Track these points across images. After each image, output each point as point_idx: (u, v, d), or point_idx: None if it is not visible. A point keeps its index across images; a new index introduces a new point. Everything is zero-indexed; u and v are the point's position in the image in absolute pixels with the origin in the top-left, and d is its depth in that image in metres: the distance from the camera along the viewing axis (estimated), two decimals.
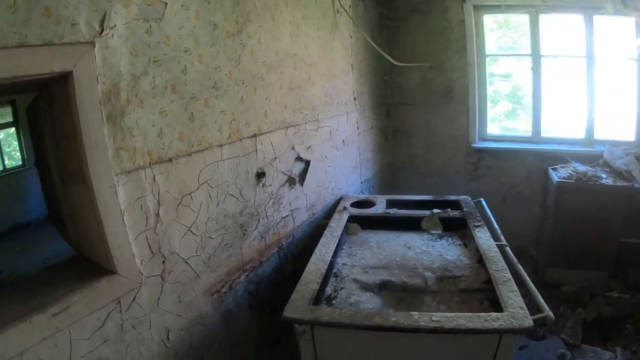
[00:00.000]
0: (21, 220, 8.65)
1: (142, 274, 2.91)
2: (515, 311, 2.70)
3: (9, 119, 8.96)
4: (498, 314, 2.69)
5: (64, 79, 2.55)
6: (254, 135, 3.87)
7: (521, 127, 7.12)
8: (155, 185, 2.95)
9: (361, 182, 6.17)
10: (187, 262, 3.23)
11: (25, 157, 8.89)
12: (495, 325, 2.60)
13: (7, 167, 9.06)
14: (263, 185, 3.98)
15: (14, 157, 9.44)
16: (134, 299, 2.88)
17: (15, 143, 9.48)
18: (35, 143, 4.32)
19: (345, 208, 4.98)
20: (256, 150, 3.89)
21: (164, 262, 3.05)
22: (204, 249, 3.38)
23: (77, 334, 2.58)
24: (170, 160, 3.05)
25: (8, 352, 2.31)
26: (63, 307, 2.55)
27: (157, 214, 2.98)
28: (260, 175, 3.91)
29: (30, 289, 2.89)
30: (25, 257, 6.71)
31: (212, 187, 3.40)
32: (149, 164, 2.91)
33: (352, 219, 4.60)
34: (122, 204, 2.75)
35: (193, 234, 3.27)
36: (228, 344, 3.72)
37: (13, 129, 9.03)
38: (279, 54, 4.23)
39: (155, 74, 2.95)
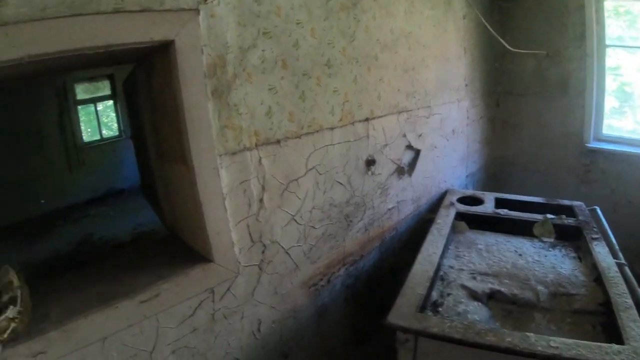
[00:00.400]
0: (115, 187, 8.83)
1: (239, 263, 2.63)
2: (637, 345, 2.37)
3: (107, 92, 9.24)
4: (619, 347, 2.38)
5: (164, 49, 2.26)
6: (366, 119, 3.46)
7: (628, 126, 6.22)
8: (260, 168, 2.62)
9: (466, 176, 5.61)
10: (287, 253, 2.92)
11: (122, 128, 9.00)
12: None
13: (104, 136, 9.18)
14: (372, 174, 3.58)
15: (110, 127, 9.71)
16: (228, 289, 2.61)
17: (112, 115, 9.75)
18: (132, 116, 4.14)
19: (452, 203, 4.48)
20: (367, 136, 3.48)
21: (263, 252, 2.74)
22: (306, 239, 3.06)
23: (165, 321, 2.37)
24: (278, 142, 2.72)
25: (91, 337, 2.15)
26: (152, 295, 2.31)
27: (261, 200, 2.66)
28: (370, 162, 3.50)
29: (118, 268, 2.68)
30: (117, 223, 6.80)
31: (320, 174, 3.05)
32: (255, 145, 2.59)
33: (459, 216, 4.09)
34: (224, 188, 2.45)
35: (297, 222, 2.95)
36: (317, 338, 3.41)
37: (111, 102, 9.18)
38: (393, 32, 3.76)
39: (265, 47, 2.61)
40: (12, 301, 2.20)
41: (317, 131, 2.98)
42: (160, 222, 5.91)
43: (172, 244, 2.91)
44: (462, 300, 3.15)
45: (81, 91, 8.79)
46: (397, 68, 3.85)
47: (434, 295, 3.22)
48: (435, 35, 4.51)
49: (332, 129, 3.10)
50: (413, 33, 4.10)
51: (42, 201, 7.96)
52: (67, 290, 2.59)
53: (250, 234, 2.63)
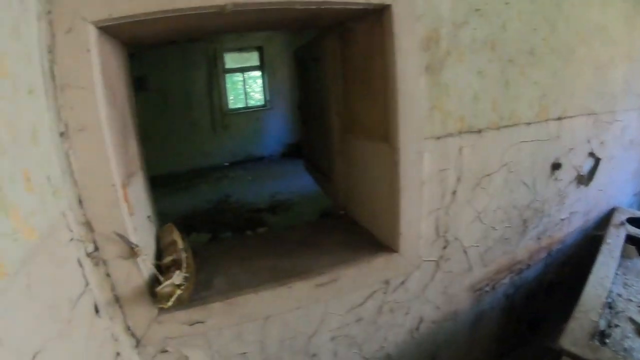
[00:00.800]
0: (255, 154, 8.95)
1: (420, 257, 2.34)
2: None
3: (255, 63, 9.23)
4: None
5: (377, 15, 2.05)
6: (559, 118, 3.04)
7: None
8: (459, 158, 2.35)
9: (634, 194, 4.93)
10: (465, 252, 2.64)
11: (267, 98, 9.03)
12: None
13: (249, 105, 9.29)
14: (555, 179, 3.14)
15: (252, 97, 9.84)
16: (403, 283, 2.41)
17: (258, 85, 9.87)
18: (302, 85, 3.97)
19: (622, 223, 3.91)
20: (558, 136, 3.05)
21: (444, 248, 2.48)
22: (485, 240, 2.76)
23: (334, 307, 2.24)
24: (479, 131, 2.42)
25: (256, 313, 2.06)
26: (330, 279, 2.13)
27: (454, 193, 2.38)
28: (555, 166, 3.08)
29: (291, 242, 2.52)
30: (254, 189, 6.78)
31: (510, 172, 2.71)
32: (459, 131, 2.30)
33: (628, 238, 3.51)
34: (424, 174, 2.15)
35: (481, 221, 2.65)
36: (466, 346, 3.12)
37: (258, 73, 9.14)
38: (590, 24, 3.26)
39: (476, 26, 2.31)
40: (177, 264, 2.09)
41: (515, 125, 2.64)
42: (298, 193, 5.99)
43: (347, 225, 2.71)
44: (629, 335, 2.70)
45: (230, 60, 8.97)
46: (590, 65, 3.35)
47: (602, 323, 2.79)
48: (625, 31, 3.91)
49: (528, 124, 2.73)
50: (607, 27, 3.55)
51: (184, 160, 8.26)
52: (230, 258, 2.47)
53: (437, 227, 2.38)
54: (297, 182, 6.66)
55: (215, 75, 8.70)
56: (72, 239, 1.63)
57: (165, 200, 6.59)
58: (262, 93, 9.61)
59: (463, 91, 2.26)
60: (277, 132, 9.18)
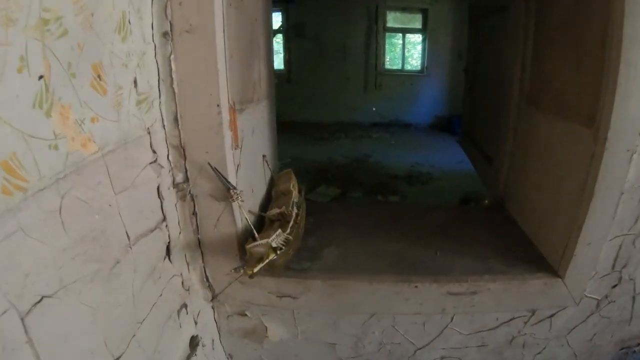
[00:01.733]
0: (402, 119, 8.45)
1: (584, 290, 1.75)
2: None
3: (418, 25, 8.44)
4: None
5: None
6: None
7: None
8: None
9: None
10: (633, 298, 1.91)
11: (425, 64, 8.31)
12: None
13: (406, 68, 8.67)
14: None
15: (409, 62, 9.03)
16: (550, 316, 1.83)
17: (414, 50, 9.11)
18: (475, 43, 3.26)
19: None
20: None
21: (614, 287, 1.83)
22: None
23: (459, 324, 1.80)
24: None
25: (360, 306, 1.64)
26: (468, 290, 1.60)
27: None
28: None
29: (428, 227, 1.98)
30: (395, 154, 6.34)
31: None
32: None
33: None
34: (626, 183, 1.47)
35: None
36: None
37: (419, 36, 8.51)
38: None
39: None
40: (282, 221, 1.64)
41: None
42: (439, 168, 5.41)
43: (500, 221, 2.09)
44: None
45: (392, 19, 8.35)
46: None
47: None
48: None
49: None
50: None
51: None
52: (350, 227, 1.99)
53: (616, 258, 1.70)
54: (440, 157, 6.07)
55: (375, 32, 8.12)
56: (154, 162, 1.25)
57: (304, 147, 6.41)
58: (420, 58, 8.83)
59: None
60: (429, 102, 8.40)
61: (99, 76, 0.99)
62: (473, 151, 3.07)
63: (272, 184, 2.06)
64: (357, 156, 6.17)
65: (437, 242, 1.83)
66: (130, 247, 1.14)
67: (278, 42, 8.13)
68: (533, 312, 1.75)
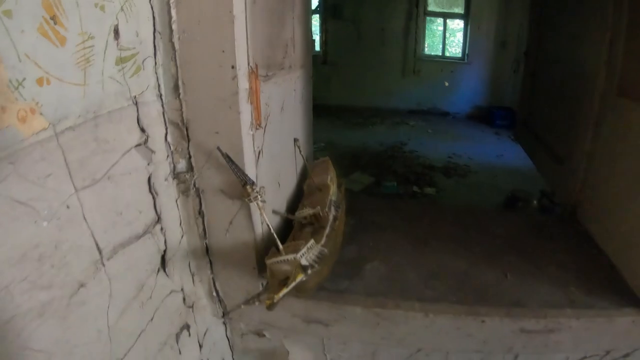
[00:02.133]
0: (440, 107, 8.02)
1: None
2: None
3: (460, 10, 7.89)
4: None
5: None
6: None
7: None
8: None
9: None
10: None
11: (467, 52, 7.81)
12: None
13: (446, 55, 8.18)
14: None
15: (449, 49, 8.49)
16: (624, 356, 1.47)
17: (454, 38, 8.66)
18: (541, 22, 2.79)
19: None
20: None
21: None
22: None
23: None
24: None
25: (412, 340, 1.29)
26: (546, 327, 1.28)
27: None
28: None
29: (496, 240, 1.58)
30: (431, 144, 5.90)
31: None
32: None
33: None
34: None
35: None
36: None
37: (461, 22, 7.98)
38: None
39: None
40: (316, 225, 1.26)
41: None
42: (478, 162, 4.99)
43: (574, 236, 1.67)
44: None
45: (432, 3, 7.85)
46: None
47: None
48: None
49: None
50: None
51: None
52: (398, 230, 1.61)
53: None
54: (478, 149, 5.64)
55: (416, 16, 7.62)
56: (141, 145, 0.90)
57: (338, 132, 6.08)
58: (461, 45, 8.30)
59: None
60: (469, 91, 7.87)
61: (52, 18, 0.64)
62: (535, 146, 2.62)
63: (304, 176, 1.68)
64: (392, 144, 5.80)
65: (507, 259, 1.43)
66: (103, 263, 0.80)
67: (314, 23, 7.76)
68: (608, 351, 1.37)
